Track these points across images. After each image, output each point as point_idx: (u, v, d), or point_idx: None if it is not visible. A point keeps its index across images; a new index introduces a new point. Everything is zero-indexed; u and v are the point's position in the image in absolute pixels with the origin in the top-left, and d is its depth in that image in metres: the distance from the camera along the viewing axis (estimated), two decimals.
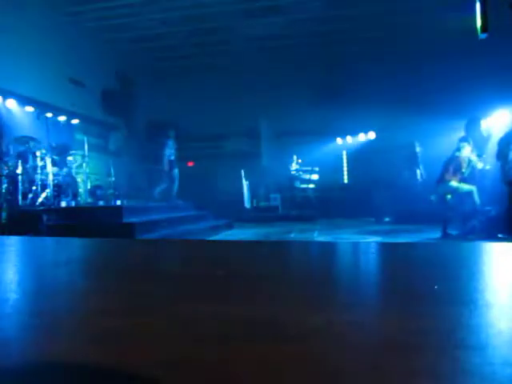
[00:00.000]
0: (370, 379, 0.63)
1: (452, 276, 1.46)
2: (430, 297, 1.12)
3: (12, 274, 1.64)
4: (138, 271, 1.66)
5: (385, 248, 2.63)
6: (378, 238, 6.48)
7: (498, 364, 0.66)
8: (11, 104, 8.79)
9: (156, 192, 8.67)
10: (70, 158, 8.00)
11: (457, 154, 6.54)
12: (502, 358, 0.69)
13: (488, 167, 6.87)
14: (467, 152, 6.53)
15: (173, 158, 8.80)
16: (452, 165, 6.51)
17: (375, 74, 11.57)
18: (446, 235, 6.44)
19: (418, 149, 9.54)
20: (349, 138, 13.58)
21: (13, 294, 1.27)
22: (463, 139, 6.79)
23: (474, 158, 6.60)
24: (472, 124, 9.23)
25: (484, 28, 4.65)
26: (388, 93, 10.74)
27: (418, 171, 9.66)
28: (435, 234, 6.52)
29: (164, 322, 0.92)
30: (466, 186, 6.48)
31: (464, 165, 6.44)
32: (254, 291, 1.24)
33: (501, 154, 5.42)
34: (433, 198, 7.46)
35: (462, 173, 6.42)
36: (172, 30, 11.86)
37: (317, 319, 0.92)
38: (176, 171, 8.80)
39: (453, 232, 6.52)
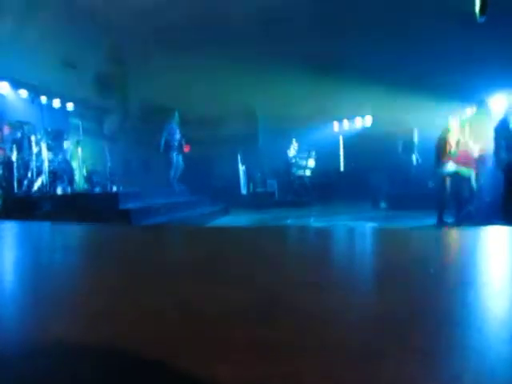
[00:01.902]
0: (368, 357, 0.64)
1: (447, 260, 1.48)
2: (426, 280, 1.13)
3: (7, 260, 1.64)
4: (135, 257, 1.67)
5: (381, 234, 2.65)
6: (375, 224, 6.52)
7: (493, 341, 0.68)
8: (5, 88, 8.65)
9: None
10: (65, 144, 7.91)
11: (444, 134, 6.49)
12: (498, 337, 0.71)
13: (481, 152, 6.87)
14: (456, 132, 6.49)
15: (172, 143, 8.54)
16: (440, 146, 6.47)
17: (373, 56, 11.43)
18: (441, 221, 6.47)
19: (415, 138, 9.50)
20: (345, 123, 13.51)
21: (7, 277, 1.27)
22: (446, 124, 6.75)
23: (462, 138, 6.59)
24: (481, 106, 9.12)
25: (483, 11, 4.60)
26: (385, 74, 10.62)
27: (414, 156, 9.67)
28: (431, 220, 6.56)
29: (164, 304, 0.93)
30: (464, 170, 6.47)
31: (452, 144, 6.40)
32: (252, 277, 1.24)
33: (496, 141, 5.41)
34: (431, 183, 7.46)
35: (450, 152, 6.37)
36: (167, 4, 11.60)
37: (314, 303, 0.93)
38: (172, 156, 8.57)
39: (448, 218, 6.56)
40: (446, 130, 6.52)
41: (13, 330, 0.80)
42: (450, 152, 6.37)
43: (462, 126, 6.69)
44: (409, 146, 9.62)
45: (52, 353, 0.68)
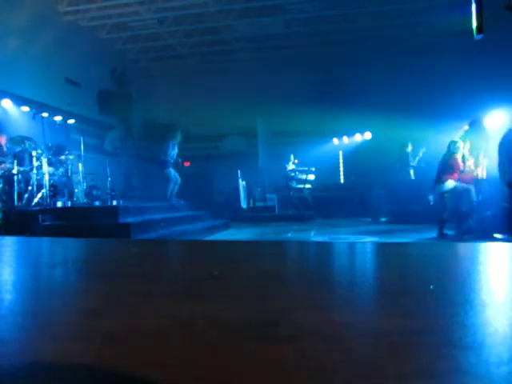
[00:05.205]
0: (367, 379, 0.63)
1: (448, 276, 1.46)
2: (425, 297, 1.12)
3: (7, 275, 1.63)
4: (134, 271, 1.66)
5: (381, 248, 2.63)
6: (374, 238, 6.49)
7: (493, 363, 0.67)
8: (7, 104, 8.73)
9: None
10: (65, 158, 7.94)
11: (452, 152, 6.56)
12: (498, 358, 0.69)
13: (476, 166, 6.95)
14: (462, 150, 6.59)
15: (176, 159, 8.79)
16: (449, 164, 6.53)
17: (372, 75, 11.61)
18: (441, 235, 6.44)
19: (409, 149, 9.59)
20: (345, 138, 13.60)
21: (7, 294, 1.26)
22: (454, 141, 6.86)
23: (467, 154, 6.69)
24: (475, 124, 9.26)
25: (480, 29, 4.68)
26: (385, 93, 10.77)
27: (412, 171, 9.69)
28: (431, 234, 6.53)
29: (163, 323, 0.92)
30: (464, 186, 6.51)
31: (461, 163, 6.48)
32: (252, 291, 1.23)
33: (500, 155, 5.43)
34: (430, 198, 7.47)
35: (462, 171, 6.45)
36: (168, 29, 11.85)
37: (314, 319, 0.92)
38: (168, 171, 8.73)
39: (449, 232, 6.53)
40: (456, 149, 6.55)
41: (9, 349, 0.79)
42: (462, 170, 6.41)
43: (463, 142, 6.76)
44: (405, 160, 9.65)
45: (48, 375, 0.67)
